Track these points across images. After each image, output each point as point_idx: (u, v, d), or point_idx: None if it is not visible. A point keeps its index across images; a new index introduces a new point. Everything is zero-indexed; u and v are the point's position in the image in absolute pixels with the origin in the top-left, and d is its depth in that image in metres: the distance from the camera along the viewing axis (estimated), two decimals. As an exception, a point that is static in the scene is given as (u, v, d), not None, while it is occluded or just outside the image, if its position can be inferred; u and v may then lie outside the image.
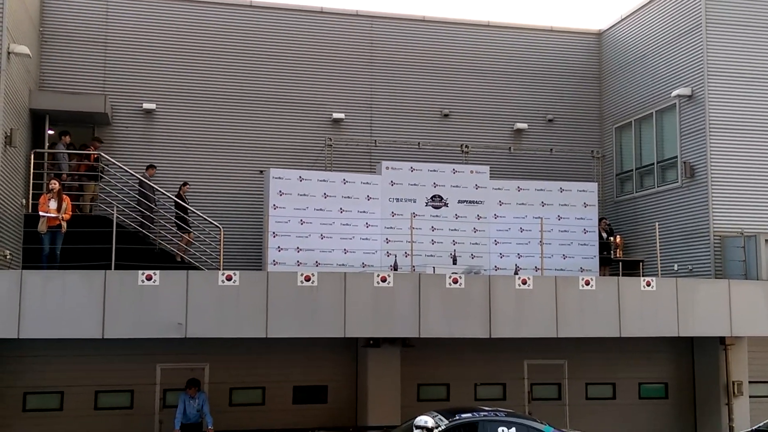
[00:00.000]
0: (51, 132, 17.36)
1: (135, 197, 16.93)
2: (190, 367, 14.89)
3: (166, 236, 16.85)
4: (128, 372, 14.80)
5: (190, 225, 17.07)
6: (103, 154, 17.04)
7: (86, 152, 17.12)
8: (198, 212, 16.92)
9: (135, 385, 14.86)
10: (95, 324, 12.88)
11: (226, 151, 18.90)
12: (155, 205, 17.06)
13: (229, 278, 13.56)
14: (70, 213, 14.53)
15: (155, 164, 17.68)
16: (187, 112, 18.82)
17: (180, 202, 16.89)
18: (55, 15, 18.36)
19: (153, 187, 17.11)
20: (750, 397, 16.37)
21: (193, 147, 18.74)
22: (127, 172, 17.03)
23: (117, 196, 16.71)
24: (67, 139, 16.83)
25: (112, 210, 14.98)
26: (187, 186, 17.44)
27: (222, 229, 16.24)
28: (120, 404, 14.80)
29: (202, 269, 15.83)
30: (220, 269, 15.24)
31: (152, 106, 18.49)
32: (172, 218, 17.03)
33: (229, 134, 18.97)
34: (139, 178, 17.00)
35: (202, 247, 16.94)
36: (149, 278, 13.23)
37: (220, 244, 15.96)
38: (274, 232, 17.15)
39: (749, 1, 17.68)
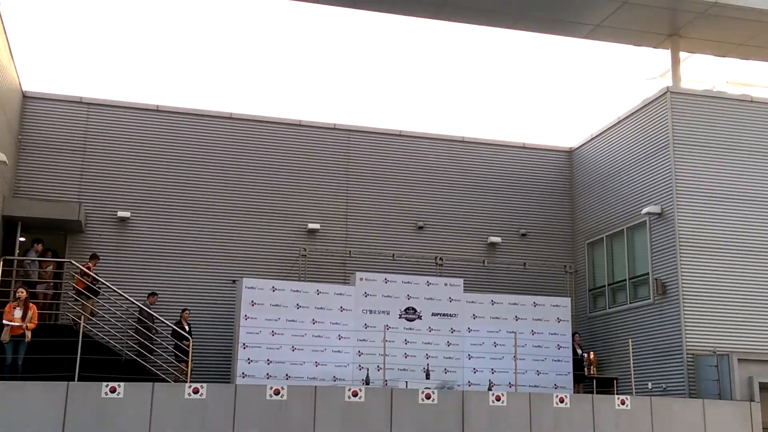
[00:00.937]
0: (23, 239, 17.24)
1: (118, 315, 16.58)
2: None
3: (160, 364, 16.37)
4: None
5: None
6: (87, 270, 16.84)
7: (58, 260, 16.93)
8: (167, 322, 16.63)
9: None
10: (54, 438, 12.40)
11: (198, 259, 18.83)
12: (154, 333, 16.76)
13: (195, 391, 13.24)
14: (36, 322, 14.23)
15: (121, 273, 17.38)
16: (161, 220, 18.85)
17: (179, 330, 16.60)
18: (34, 121, 18.60)
19: (152, 315, 16.82)
20: None
21: (165, 255, 18.66)
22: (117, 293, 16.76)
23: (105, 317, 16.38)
24: (39, 247, 16.69)
25: (106, 327, 14.69)
26: (187, 312, 17.25)
27: (191, 340, 15.94)
28: None
29: (169, 381, 15.43)
30: (187, 382, 14.85)
31: (126, 214, 18.51)
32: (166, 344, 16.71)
33: (202, 243, 18.96)
34: (139, 306, 16.69)
35: (169, 358, 16.56)
36: (113, 390, 12.88)
37: (188, 356, 15.62)
38: (244, 344, 16.90)
39: (715, 121, 18.30)
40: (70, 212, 17.44)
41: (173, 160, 19.25)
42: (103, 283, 16.45)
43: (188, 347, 15.58)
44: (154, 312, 16.99)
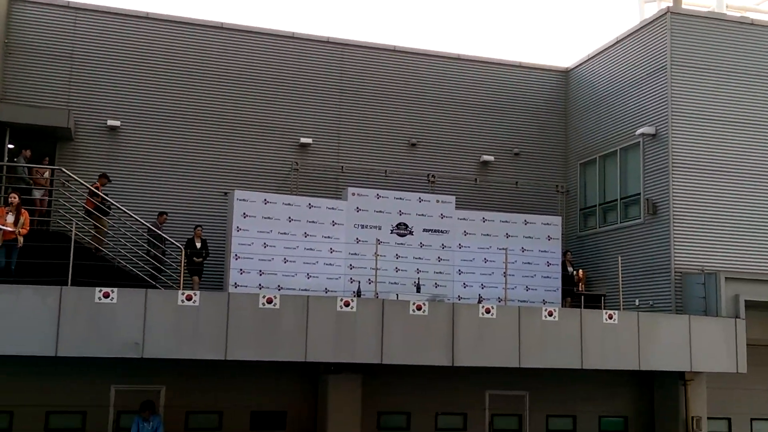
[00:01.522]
0: (11, 146, 16.99)
1: (93, 213, 16.47)
2: (146, 389, 14.50)
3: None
4: (81, 393, 14.35)
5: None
6: (65, 169, 16.65)
7: (46, 167, 16.73)
8: (159, 232, 16.61)
9: (88, 407, 14.41)
10: (48, 341, 12.54)
11: (190, 171, 18.68)
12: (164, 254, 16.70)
13: (189, 298, 13.32)
14: (28, 227, 14.16)
15: (109, 175, 17.11)
16: (152, 130, 18.60)
17: (157, 231, 16.55)
18: (21, 27, 18.11)
19: (162, 236, 16.62)
20: (708, 433, 16.47)
21: (156, 166, 18.49)
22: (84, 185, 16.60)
23: (78, 213, 16.30)
24: (28, 153, 16.46)
25: (69, 226, 14.60)
26: (200, 229, 17.20)
27: (183, 249, 15.95)
28: (71, 426, 14.34)
29: (160, 288, 15.48)
30: (180, 289, 14.92)
31: (117, 123, 18.24)
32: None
33: (194, 154, 18.77)
34: (148, 226, 16.53)
35: (161, 267, 16.59)
36: (106, 296, 12.94)
37: (180, 265, 15.66)
38: (236, 254, 16.93)
39: (713, 43, 18.10)
40: (59, 119, 17.15)
41: (164, 70, 18.88)
42: (113, 204, 16.30)
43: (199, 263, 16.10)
44: (163, 232, 16.81)
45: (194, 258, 16.61)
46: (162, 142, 18.62)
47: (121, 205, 16.61)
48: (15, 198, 14.10)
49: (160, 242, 16.53)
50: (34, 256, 14.06)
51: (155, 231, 16.48)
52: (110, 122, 18.21)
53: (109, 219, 16.53)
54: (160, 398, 14.70)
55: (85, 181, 16.48)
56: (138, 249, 16.43)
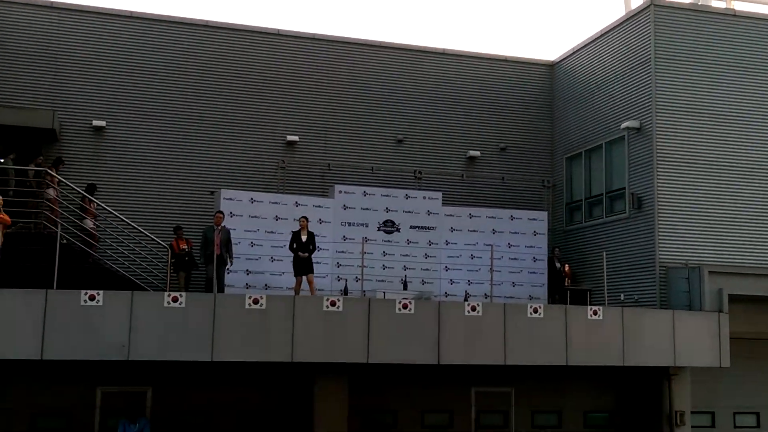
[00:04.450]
0: (-5, 147, 16.94)
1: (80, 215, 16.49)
2: (132, 390, 14.55)
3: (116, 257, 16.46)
4: (67, 394, 14.39)
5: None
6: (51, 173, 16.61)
7: (29, 168, 16.67)
8: (146, 232, 16.59)
9: (73, 408, 14.45)
10: (34, 344, 12.56)
11: (176, 170, 18.68)
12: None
13: (175, 300, 13.36)
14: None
15: (97, 184, 17.20)
16: (138, 130, 18.58)
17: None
18: (4, 27, 18.03)
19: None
20: (692, 427, 16.58)
21: (142, 166, 18.48)
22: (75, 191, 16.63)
23: (63, 214, 16.29)
24: (40, 160, 16.45)
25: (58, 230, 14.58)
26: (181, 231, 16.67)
27: (170, 250, 15.96)
28: (57, 428, 14.36)
29: (148, 290, 15.52)
30: (166, 291, 14.95)
31: (102, 123, 18.21)
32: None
33: (180, 154, 18.77)
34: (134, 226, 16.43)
35: (149, 267, 16.61)
36: (92, 298, 12.96)
37: (167, 265, 15.69)
38: (223, 254, 16.92)
39: (698, 36, 18.15)
40: (44, 120, 17.11)
41: (149, 69, 18.84)
42: (100, 206, 16.35)
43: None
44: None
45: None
46: (147, 142, 18.60)
47: (107, 205, 16.65)
48: (-1, 200, 14.08)
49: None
50: (20, 258, 14.06)
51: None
52: (95, 122, 18.19)
53: (96, 221, 16.52)
54: (147, 400, 14.75)
55: (70, 182, 16.47)
56: (125, 250, 16.42)
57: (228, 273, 16.46)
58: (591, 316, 15.29)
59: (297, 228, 16.27)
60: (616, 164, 18.96)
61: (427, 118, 20.67)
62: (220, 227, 15.62)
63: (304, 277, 15.86)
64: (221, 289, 15.43)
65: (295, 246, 15.92)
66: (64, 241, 15.52)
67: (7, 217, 14.08)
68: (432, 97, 20.79)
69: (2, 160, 16.73)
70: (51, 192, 16.15)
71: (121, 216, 16.42)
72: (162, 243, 16.24)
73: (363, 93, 20.29)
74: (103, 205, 16.48)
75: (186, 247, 16.19)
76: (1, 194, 14.67)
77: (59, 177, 16.36)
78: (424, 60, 20.93)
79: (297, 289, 15.88)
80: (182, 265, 16.07)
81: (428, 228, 18.80)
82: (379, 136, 20.25)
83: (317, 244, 16.37)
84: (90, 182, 17.24)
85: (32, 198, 16.41)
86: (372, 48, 20.66)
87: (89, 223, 16.46)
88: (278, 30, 20.13)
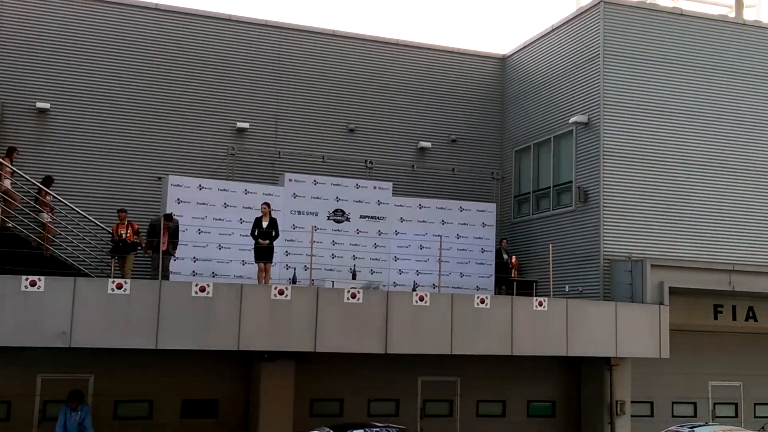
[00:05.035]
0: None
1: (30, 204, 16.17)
2: (74, 378, 14.31)
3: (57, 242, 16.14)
4: (6, 382, 14.09)
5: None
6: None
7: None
8: (90, 218, 16.29)
9: (13, 396, 14.17)
10: (-29, 331, 12.24)
11: (123, 155, 18.36)
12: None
13: (119, 286, 13.17)
14: None
15: (43, 169, 16.85)
16: (84, 112, 18.20)
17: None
18: (-56, 5, 17.47)
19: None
20: (632, 416, 16.98)
21: (88, 150, 18.11)
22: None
23: (18, 206, 15.88)
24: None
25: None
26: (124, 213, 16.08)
27: (114, 235, 15.68)
28: (-5, 415, 14.07)
29: (91, 276, 15.25)
30: (110, 277, 14.72)
31: (46, 105, 17.79)
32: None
33: (127, 138, 18.44)
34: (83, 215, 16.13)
35: (93, 254, 16.32)
36: (33, 284, 12.68)
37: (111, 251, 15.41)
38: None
39: (646, 33, 18.48)
40: (-15, 102, 16.67)
41: (95, 51, 18.45)
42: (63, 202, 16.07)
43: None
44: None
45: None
46: (94, 126, 18.23)
47: (52, 191, 16.30)
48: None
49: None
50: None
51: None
52: (39, 104, 17.75)
53: (53, 215, 16.15)
54: (89, 387, 14.52)
55: (15, 167, 16.09)
56: (70, 237, 16.11)
57: (174, 260, 16.29)
58: (536, 306, 15.52)
59: (258, 215, 16.07)
60: (563, 158, 19.23)
61: (379, 108, 20.69)
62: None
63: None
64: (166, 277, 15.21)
65: (256, 233, 15.78)
66: (21, 234, 15.22)
67: None
68: (384, 87, 20.80)
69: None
70: (6, 183, 15.76)
71: (66, 202, 16.11)
72: (106, 228, 15.95)
73: (315, 81, 20.19)
74: (53, 194, 16.10)
75: (125, 231, 15.65)
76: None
77: (13, 168, 15.95)
78: (376, 50, 20.92)
79: (260, 275, 15.73)
80: (118, 249, 15.54)
81: (378, 218, 18.84)
82: (331, 125, 20.19)
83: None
84: (47, 174, 16.80)
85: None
86: (324, 36, 20.57)
87: (46, 217, 16.08)
88: (230, 16, 19.90)
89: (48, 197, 16.22)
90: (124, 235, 15.48)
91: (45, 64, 18.01)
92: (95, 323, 12.92)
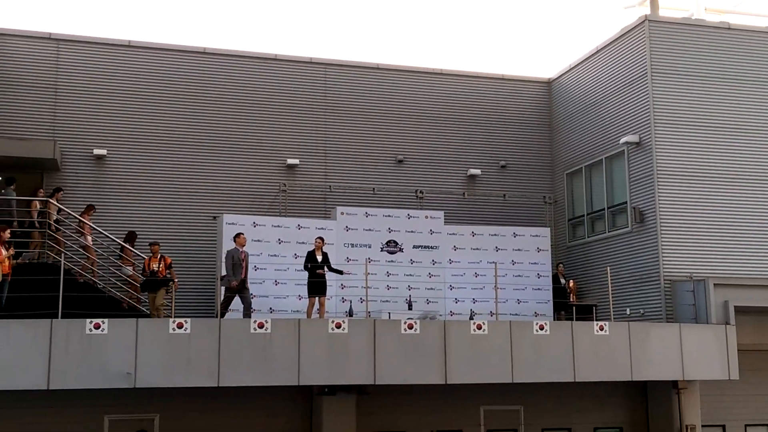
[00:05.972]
0: (-1, 178, 17.02)
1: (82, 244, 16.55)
2: (140, 418, 14.46)
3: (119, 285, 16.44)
4: (75, 423, 14.25)
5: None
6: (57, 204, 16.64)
7: (34, 198, 16.72)
8: (141, 254, 16.52)
9: (82, 438, 14.37)
10: (40, 374, 12.52)
11: (178, 196, 18.72)
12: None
13: (180, 326, 13.31)
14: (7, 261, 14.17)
15: (95, 205, 17.27)
16: (139, 157, 18.63)
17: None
18: (4, 59, 18.13)
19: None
20: (703, 440, 16.50)
21: (144, 192, 18.51)
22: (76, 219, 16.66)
23: (66, 243, 16.32)
24: (13, 187, 16.49)
25: (61, 259, 14.54)
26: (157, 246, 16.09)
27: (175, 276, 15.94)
28: (66, 457, 14.26)
29: (153, 317, 15.46)
30: (171, 317, 14.91)
31: (103, 151, 18.27)
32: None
33: (181, 180, 18.81)
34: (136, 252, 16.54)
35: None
36: (97, 327, 12.93)
37: (172, 292, 15.64)
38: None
39: (693, 49, 18.26)
40: (45, 150, 17.17)
41: (148, 96, 18.93)
42: (102, 233, 16.48)
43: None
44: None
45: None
46: (149, 169, 18.65)
47: (109, 233, 16.66)
48: (8, 233, 14.10)
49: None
50: (25, 289, 14.05)
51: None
52: (96, 151, 18.24)
53: (96, 248, 16.54)
54: (155, 426, 14.65)
55: (73, 211, 16.51)
56: (122, 274, 16.43)
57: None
58: (597, 331, 15.24)
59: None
60: (616, 179, 18.99)
61: (427, 138, 20.75)
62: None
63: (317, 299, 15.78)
64: (249, 314, 15.24)
65: (309, 265, 15.84)
66: (66, 268, 15.55)
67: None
68: (431, 116, 20.88)
69: (4, 192, 16.78)
70: (88, 240, 16.32)
71: (114, 238, 16.43)
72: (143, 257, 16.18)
73: (362, 114, 20.38)
74: (98, 228, 16.51)
75: (157, 265, 15.32)
76: (7, 224, 14.72)
77: (59, 205, 16.41)
78: (422, 80, 21.04)
79: (310, 310, 15.80)
80: (149, 284, 15.27)
81: (431, 247, 18.79)
82: (380, 157, 20.31)
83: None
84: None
85: (35, 228, 16.45)
86: (369, 70, 20.78)
87: (128, 271, 16.44)
88: (275, 55, 20.25)
89: (87, 227, 16.52)
90: (156, 269, 15.27)
91: (100, 112, 18.54)
92: (158, 363, 13.08)
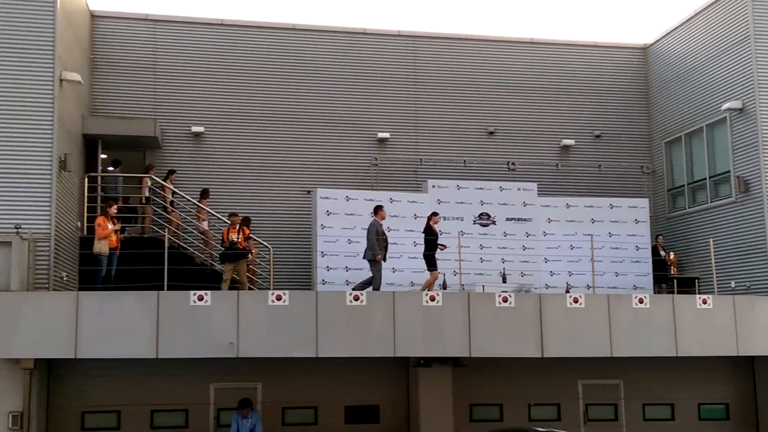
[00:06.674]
0: (104, 156, 17.71)
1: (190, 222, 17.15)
2: (243, 386, 14.93)
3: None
4: (183, 391, 14.91)
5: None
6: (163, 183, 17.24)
7: (140, 175, 17.40)
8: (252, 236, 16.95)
9: (189, 405, 14.96)
10: (150, 344, 13.06)
11: (273, 171, 19.04)
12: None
13: (279, 298, 13.61)
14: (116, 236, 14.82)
15: (208, 188, 17.82)
16: (235, 134, 19.02)
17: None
18: (104, 41, 18.74)
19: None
20: (814, 416, 15.87)
21: (241, 168, 18.91)
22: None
23: (180, 224, 16.93)
24: (119, 169, 17.28)
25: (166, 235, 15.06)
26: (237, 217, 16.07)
27: (272, 249, 16.30)
28: (175, 423, 14.92)
29: (253, 289, 15.88)
30: (270, 289, 15.27)
31: (200, 129, 18.73)
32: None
33: (276, 155, 19.12)
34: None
35: (252, 267, 16.98)
36: (201, 298, 13.35)
37: (269, 264, 15.99)
38: (322, 252, 17.16)
39: (801, 11, 17.33)
40: (147, 129, 17.74)
41: (242, 74, 19.26)
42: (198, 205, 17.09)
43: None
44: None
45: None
46: (244, 145, 19.03)
47: (210, 209, 17.16)
48: (115, 209, 14.73)
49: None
50: (129, 263, 14.65)
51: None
52: (194, 129, 18.71)
53: (201, 223, 17.09)
54: (257, 395, 15.11)
55: (175, 188, 17.10)
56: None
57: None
58: (700, 305, 14.79)
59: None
60: (718, 147, 18.29)
61: (519, 109, 20.42)
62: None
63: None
64: (378, 287, 15.04)
65: (438, 243, 15.54)
66: (176, 246, 16.14)
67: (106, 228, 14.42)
68: (522, 87, 20.53)
69: (111, 168, 17.50)
70: (204, 225, 16.96)
71: (219, 215, 16.89)
72: (263, 242, 16.58)
73: (452, 86, 20.20)
74: (209, 210, 17.03)
75: (236, 236, 15.09)
76: (114, 200, 15.36)
77: (172, 187, 17.00)
78: (512, 50, 20.68)
79: (432, 284, 15.44)
80: (228, 255, 15.03)
81: (525, 219, 18.57)
82: (470, 129, 20.11)
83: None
84: (204, 187, 17.70)
85: (144, 204, 17.13)
86: (458, 41, 20.54)
87: (204, 225, 17.00)
88: (364, 29, 20.22)
89: (204, 211, 17.06)
90: (235, 240, 15.04)
91: (197, 91, 18.98)
92: (259, 334, 13.43)
